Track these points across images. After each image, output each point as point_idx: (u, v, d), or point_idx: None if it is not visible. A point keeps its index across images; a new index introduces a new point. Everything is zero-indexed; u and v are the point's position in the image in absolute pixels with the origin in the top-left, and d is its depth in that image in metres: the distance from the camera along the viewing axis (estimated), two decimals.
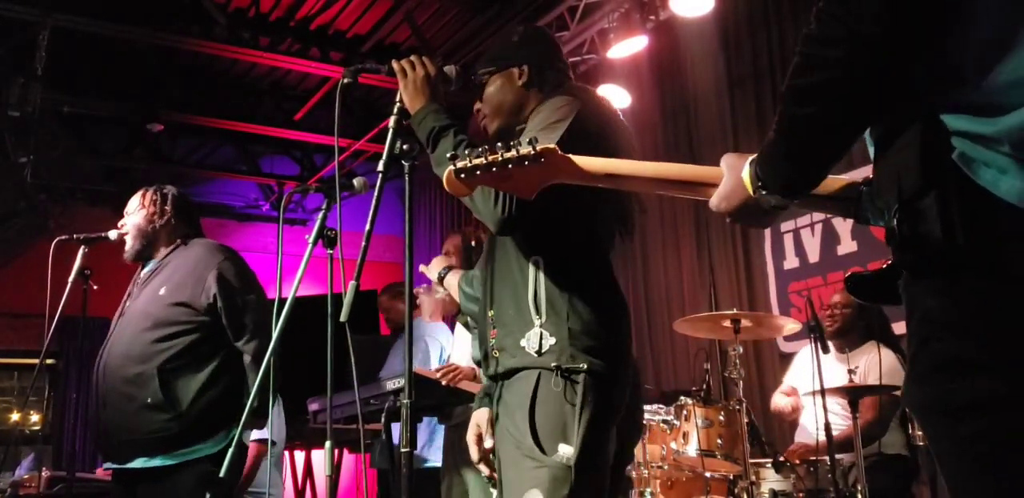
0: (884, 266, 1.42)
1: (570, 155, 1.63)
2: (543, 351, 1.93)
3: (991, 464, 1.13)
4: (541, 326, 1.96)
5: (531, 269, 2.01)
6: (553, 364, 1.91)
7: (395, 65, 2.17)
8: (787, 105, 1.30)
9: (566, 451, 1.85)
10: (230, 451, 2.53)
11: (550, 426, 1.88)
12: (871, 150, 1.34)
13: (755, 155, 1.44)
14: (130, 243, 3.41)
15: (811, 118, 1.28)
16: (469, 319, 2.91)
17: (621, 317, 2.04)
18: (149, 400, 3.07)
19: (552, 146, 1.60)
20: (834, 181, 1.48)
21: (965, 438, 1.14)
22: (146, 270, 3.43)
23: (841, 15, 1.18)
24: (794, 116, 1.30)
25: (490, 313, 2.09)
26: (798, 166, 1.36)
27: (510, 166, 1.59)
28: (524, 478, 1.88)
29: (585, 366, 1.90)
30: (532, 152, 1.58)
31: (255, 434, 4.17)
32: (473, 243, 4.01)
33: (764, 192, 1.41)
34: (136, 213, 3.41)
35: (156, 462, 3.06)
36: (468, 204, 2.00)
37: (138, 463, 3.08)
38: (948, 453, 1.18)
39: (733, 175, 1.47)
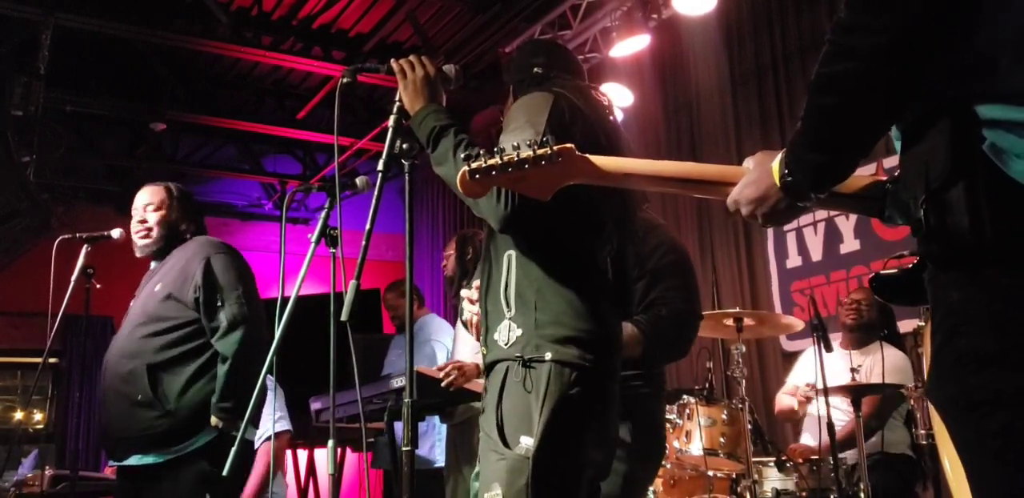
0: (910, 265, 1.40)
1: (587, 155, 1.60)
2: (510, 343, 1.93)
3: (1013, 458, 1.12)
4: (510, 318, 1.95)
5: (505, 263, 2.00)
6: (517, 355, 1.90)
7: (394, 65, 2.16)
8: (813, 93, 1.28)
9: (526, 442, 1.83)
10: (233, 449, 2.53)
11: (515, 419, 1.87)
12: (897, 144, 1.33)
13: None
14: (153, 239, 3.33)
15: (835, 108, 1.26)
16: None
17: (602, 307, 2.00)
18: (139, 397, 3.07)
19: (570, 145, 1.57)
20: (858, 179, 1.44)
21: (988, 433, 1.14)
22: (151, 268, 3.43)
23: (872, 5, 1.17)
24: (819, 105, 1.28)
25: (482, 312, 2.10)
26: (823, 156, 1.33)
27: (527, 166, 1.56)
28: (489, 472, 1.88)
29: (550, 356, 1.88)
30: (549, 152, 1.55)
31: (279, 426, 4.19)
32: (470, 249, 4.02)
33: (790, 179, 1.37)
34: (164, 209, 3.36)
35: (150, 459, 3.06)
36: (469, 202, 1.98)
37: (134, 460, 3.09)
38: (971, 448, 1.17)
39: (761, 167, 1.44)
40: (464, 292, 2.55)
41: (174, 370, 3.11)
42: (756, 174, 1.45)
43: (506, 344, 1.93)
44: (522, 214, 1.90)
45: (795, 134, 1.35)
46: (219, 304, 3.15)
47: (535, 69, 2.26)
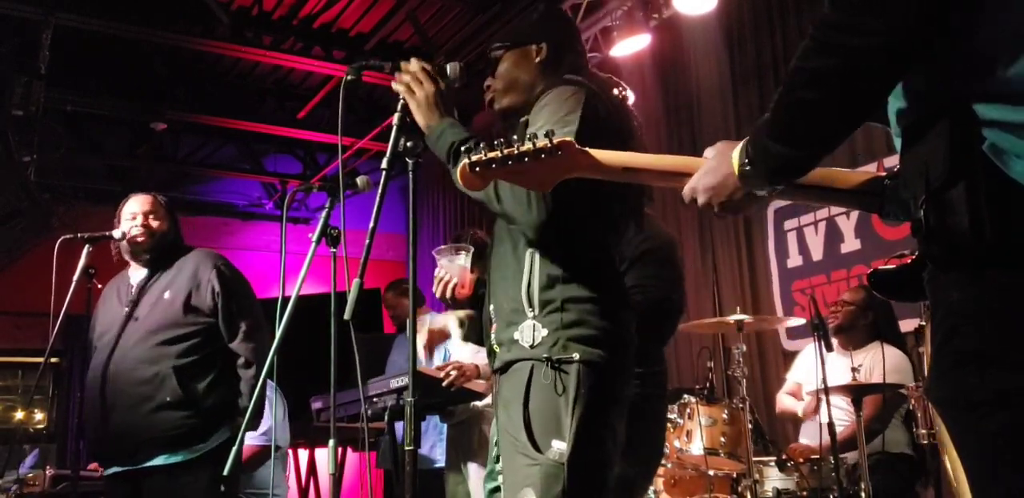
0: (909, 261, 1.40)
1: (587, 148, 1.59)
2: (535, 343, 1.91)
3: (1013, 459, 1.12)
4: (534, 318, 1.93)
5: (527, 262, 1.97)
6: (544, 356, 1.88)
7: (399, 87, 2.11)
8: (790, 86, 1.27)
9: (559, 447, 1.82)
10: (233, 450, 2.55)
11: (543, 421, 1.85)
12: (897, 142, 1.32)
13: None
14: (152, 245, 3.44)
15: (816, 103, 1.25)
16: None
17: (621, 306, 2.00)
18: (168, 398, 3.19)
19: (569, 139, 1.57)
20: (856, 175, 1.44)
21: (988, 433, 1.13)
22: (139, 277, 3.46)
23: (868, 5, 1.16)
24: (798, 100, 1.27)
25: (490, 307, 2.08)
26: (793, 150, 1.32)
27: (526, 159, 1.55)
28: (518, 476, 1.86)
29: (577, 356, 1.87)
30: (549, 145, 1.54)
31: (259, 437, 4.20)
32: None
33: (749, 168, 1.37)
34: (161, 220, 3.48)
35: (178, 457, 3.18)
36: (495, 207, 1.94)
37: (159, 460, 3.17)
38: (971, 448, 1.17)
39: (720, 156, 1.44)
40: (439, 258, 2.55)
41: (199, 372, 3.27)
42: (715, 162, 1.44)
43: (531, 345, 1.91)
44: (554, 218, 1.88)
45: (762, 125, 1.34)
46: (238, 310, 3.34)
47: (578, 48, 2.24)
